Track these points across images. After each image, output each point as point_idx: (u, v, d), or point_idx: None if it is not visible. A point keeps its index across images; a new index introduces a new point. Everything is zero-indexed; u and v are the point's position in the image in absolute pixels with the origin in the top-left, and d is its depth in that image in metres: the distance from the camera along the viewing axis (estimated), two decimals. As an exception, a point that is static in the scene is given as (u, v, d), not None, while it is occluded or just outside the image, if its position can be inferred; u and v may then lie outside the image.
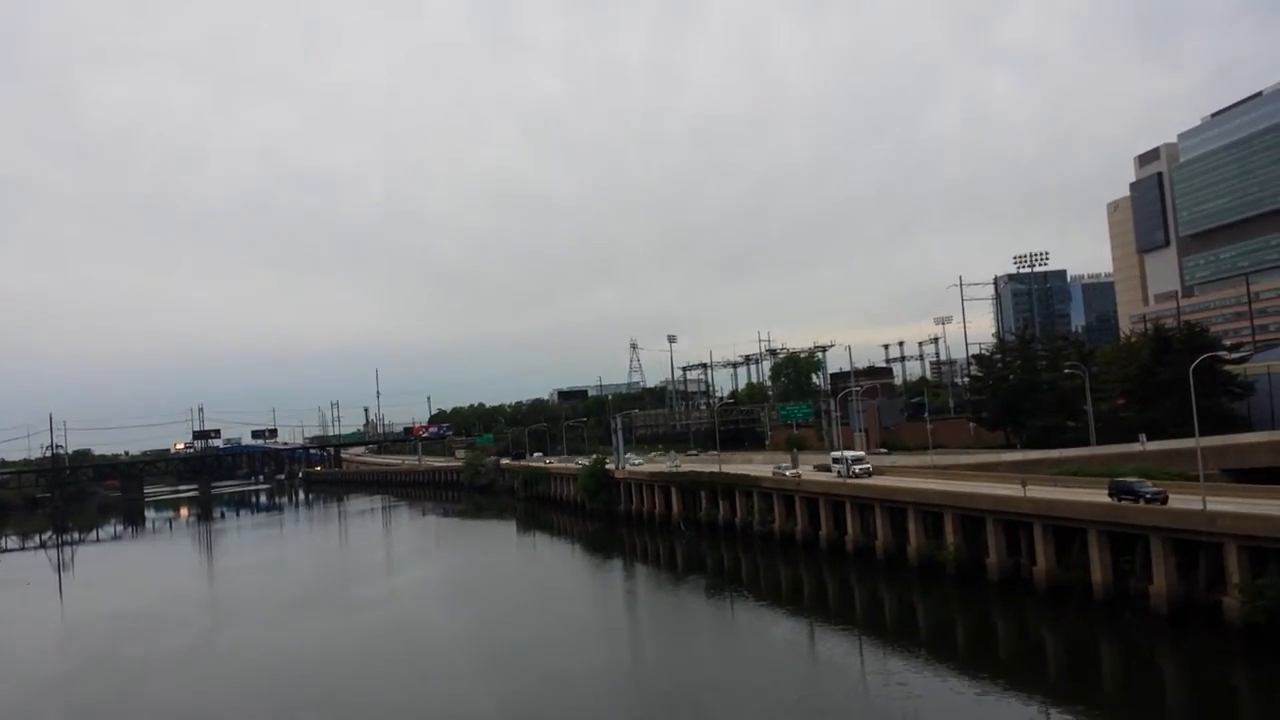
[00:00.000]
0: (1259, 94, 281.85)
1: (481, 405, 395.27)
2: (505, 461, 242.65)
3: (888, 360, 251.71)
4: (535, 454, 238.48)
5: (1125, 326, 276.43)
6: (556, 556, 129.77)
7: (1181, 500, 66.97)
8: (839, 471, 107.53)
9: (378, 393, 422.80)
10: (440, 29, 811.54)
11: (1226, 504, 62.98)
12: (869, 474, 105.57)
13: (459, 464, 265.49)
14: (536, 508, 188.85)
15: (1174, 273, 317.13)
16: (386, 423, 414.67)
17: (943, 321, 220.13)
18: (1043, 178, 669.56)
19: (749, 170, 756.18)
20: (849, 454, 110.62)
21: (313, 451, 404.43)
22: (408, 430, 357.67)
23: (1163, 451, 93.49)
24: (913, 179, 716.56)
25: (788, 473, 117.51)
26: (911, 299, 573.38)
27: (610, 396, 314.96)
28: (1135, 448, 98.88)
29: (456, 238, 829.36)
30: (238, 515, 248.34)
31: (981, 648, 66.92)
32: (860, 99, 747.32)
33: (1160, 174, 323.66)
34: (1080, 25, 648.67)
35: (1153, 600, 63.14)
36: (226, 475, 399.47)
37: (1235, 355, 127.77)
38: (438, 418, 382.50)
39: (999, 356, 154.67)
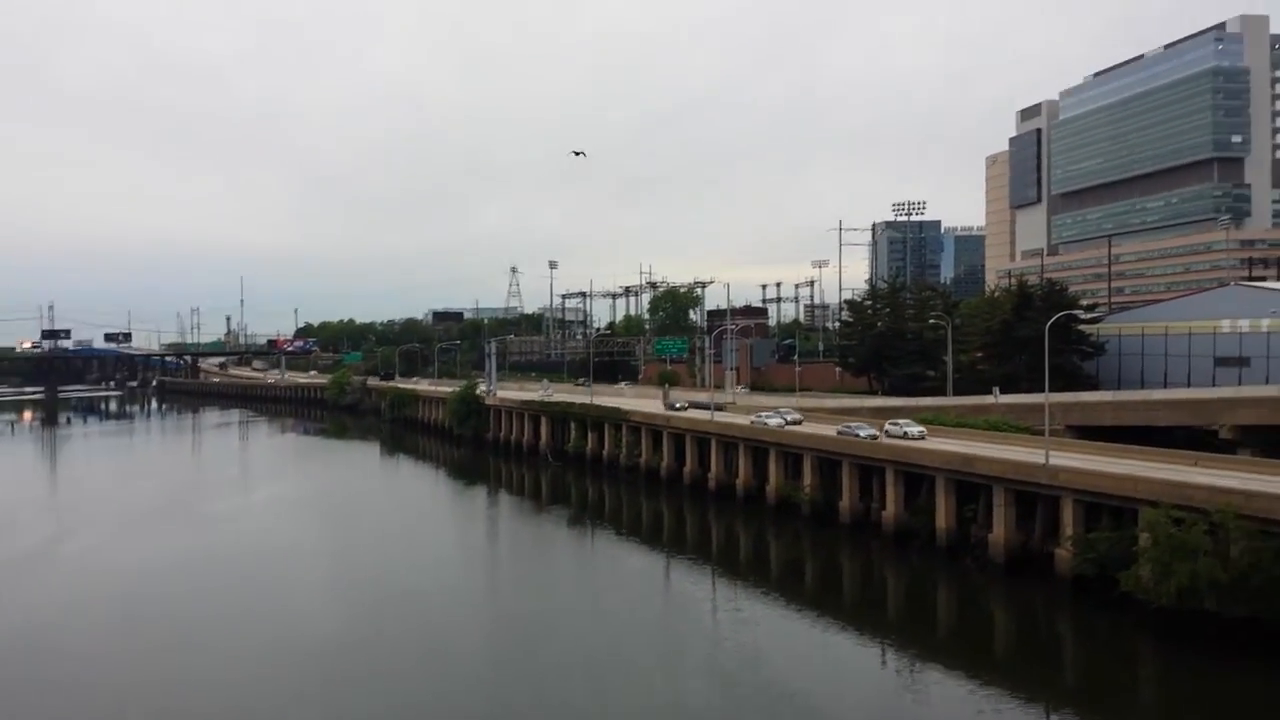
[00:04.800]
0: (1140, 57, 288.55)
1: (352, 321, 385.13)
2: (373, 381, 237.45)
3: (764, 300, 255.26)
4: (415, 378, 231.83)
5: (991, 280, 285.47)
6: (420, 481, 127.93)
7: (1023, 452, 69.43)
8: None
9: (241, 301, 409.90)
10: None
11: (1068, 459, 65.56)
12: None
13: (324, 381, 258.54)
14: (403, 431, 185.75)
15: (1043, 230, 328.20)
16: (249, 333, 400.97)
17: (820, 265, 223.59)
18: (935, 125, 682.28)
19: (647, 97, 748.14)
20: None
21: (169, 359, 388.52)
22: (271, 343, 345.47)
23: (1014, 405, 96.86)
24: (808, 116, 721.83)
25: (770, 422, 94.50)
26: (794, 239, 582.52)
27: (486, 320, 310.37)
28: (988, 399, 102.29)
29: (340, 142, 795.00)
30: (85, 422, 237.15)
31: (828, 587, 68.90)
32: (765, 30, 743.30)
33: (1039, 130, 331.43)
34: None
35: (991, 548, 65.65)
36: (76, 379, 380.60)
37: (1090, 315, 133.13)
38: (304, 331, 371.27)
39: (869, 303, 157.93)
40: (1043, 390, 71.73)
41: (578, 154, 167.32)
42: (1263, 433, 77.61)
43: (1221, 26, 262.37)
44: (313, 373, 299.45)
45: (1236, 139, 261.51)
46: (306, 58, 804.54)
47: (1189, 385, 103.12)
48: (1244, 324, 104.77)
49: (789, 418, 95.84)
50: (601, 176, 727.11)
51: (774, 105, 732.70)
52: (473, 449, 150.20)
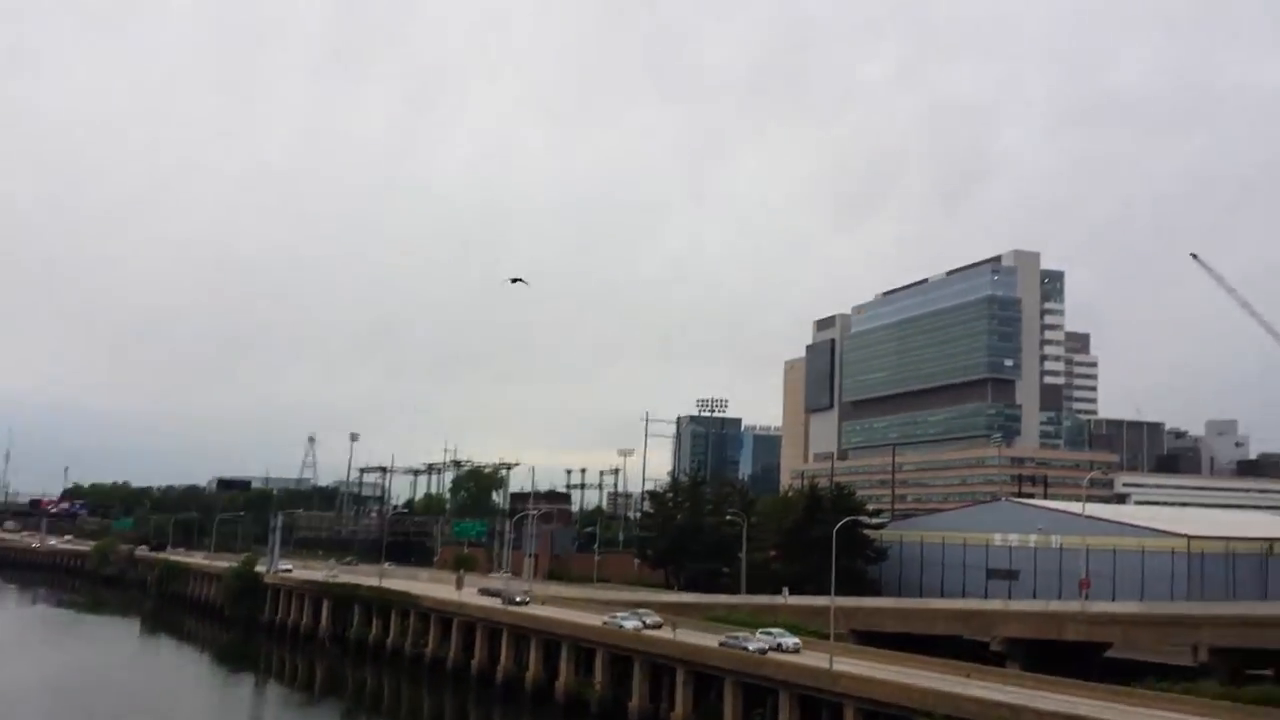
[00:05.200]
0: (924, 280, 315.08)
1: (126, 484, 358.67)
2: (142, 551, 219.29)
3: (568, 486, 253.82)
4: (186, 549, 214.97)
5: (786, 480, 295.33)
6: (178, 668, 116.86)
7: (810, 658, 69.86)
8: None
9: (7, 454, 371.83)
10: (166, 63, 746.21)
11: (851, 665, 66.32)
12: None
13: (87, 548, 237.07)
14: (169, 608, 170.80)
15: (834, 435, 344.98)
16: (12, 491, 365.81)
17: (625, 454, 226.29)
18: (740, 327, 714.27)
19: (463, 273, 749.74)
20: None
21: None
22: (34, 503, 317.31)
23: (801, 607, 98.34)
24: (619, 309, 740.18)
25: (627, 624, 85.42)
26: (602, 425, 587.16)
27: (276, 491, 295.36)
28: (778, 600, 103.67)
29: (138, 295, 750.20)
30: None
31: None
32: (586, 221, 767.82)
33: (833, 341, 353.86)
34: (795, 191, 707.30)
35: (780, 756, 64.79)
36: None
37: (875, 521, 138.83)
38: (73, 493, 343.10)
39: (671, 496, 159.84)
40: (829, 592, 73.08)
41: (517, 280, 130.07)
42: (1028, 645, 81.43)
43: (998, 259, 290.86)
44: (68, 538, 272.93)
45: (1008, 363, 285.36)
46: (107, 207, 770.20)
47: (964, 594, 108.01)
48: (1014, 538, 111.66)
49: (648, 620, 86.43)
50: (412, 350, 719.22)
51: (588, 295, 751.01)
52: (246, 632, 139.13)
